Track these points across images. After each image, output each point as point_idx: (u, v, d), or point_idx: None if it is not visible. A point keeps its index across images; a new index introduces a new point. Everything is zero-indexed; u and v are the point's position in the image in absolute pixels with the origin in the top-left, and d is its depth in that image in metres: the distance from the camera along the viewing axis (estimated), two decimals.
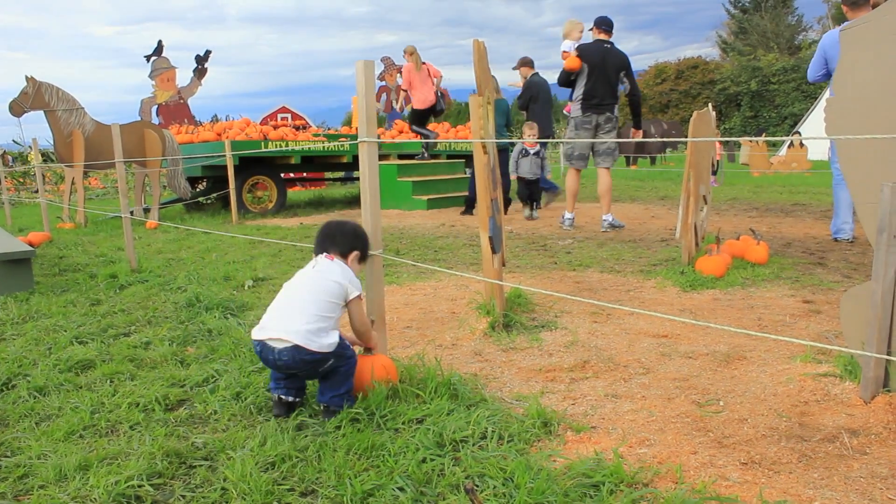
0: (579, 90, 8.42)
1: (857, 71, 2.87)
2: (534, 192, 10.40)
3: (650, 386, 3.14)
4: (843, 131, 2.93)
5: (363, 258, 3.08)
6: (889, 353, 2.77)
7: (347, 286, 2.87)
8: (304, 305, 2.77)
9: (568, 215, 9.02)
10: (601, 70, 8.31)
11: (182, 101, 20.98)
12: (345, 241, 3.03)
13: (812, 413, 2.81)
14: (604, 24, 8.48)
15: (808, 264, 5.92)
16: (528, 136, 9.96)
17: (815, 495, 2.14)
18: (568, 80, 8.51)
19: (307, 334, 2.69)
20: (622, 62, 8.46)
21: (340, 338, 2.82)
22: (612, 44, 8.45)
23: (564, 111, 9.15)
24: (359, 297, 2.93)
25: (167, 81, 20.78)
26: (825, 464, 2.38)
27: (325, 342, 2.73)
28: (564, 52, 8.83)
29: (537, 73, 11.07)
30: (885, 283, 2.72)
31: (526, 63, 11.15)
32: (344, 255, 3.01)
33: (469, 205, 10.97)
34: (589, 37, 8.76)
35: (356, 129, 3.92)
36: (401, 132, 15.32)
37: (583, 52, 8.36)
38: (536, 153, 10.13)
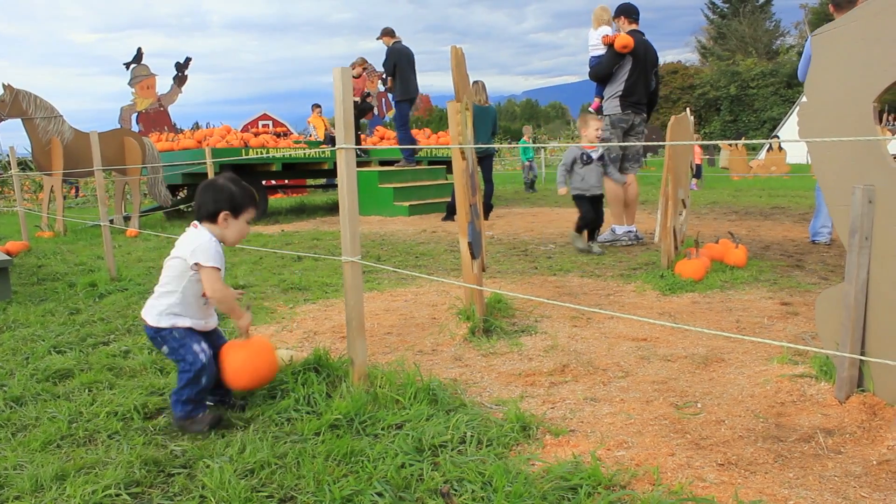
0: (618, 85, 7.54)
1: (829, 75, 2.91)
2: (600, 214, 7.31)
3: (629, 389, 3.16)
4: (815, 135, 2.97)
5: (238, 213, 2.88)
6: (863, 354, 2.80)
7: (187, 257, 2.79)
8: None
9: (621, 229, 7.77)
10: (643, 65, 7.53)
11: (162, 109, 20.89)
12: (209, 204, 2.86)
13: (788, 413, 2.84)
14: (634, 13, 7.64)
15: (786, 267, 5.98)
16: (595, 132, 7.15)
17: (791, 495, 2.16)
18: (611, 69, 7.54)
19: (148, 307, 2.89)
20: (656, 58, 7.79)
21: (179, 333, 2.82)
22: (644, 34, 7.67)
23: (590, 108, 8.10)
24: (204, 266, 2.77)
25: (147, 89, 20.68)
26: (801, 463, 2.40)
27: (155, 315, 2.83)
28: (606, 35, 7.68)
29: (399, 41, 11.88)
30: (857, 284, 2.76)
31: (387, 33, 11.92)
32: (212, 219, 2.87)
33: (450, 210, 10.96)
34: (614, 29, 7.85)
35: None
36: (382, 138, 15.33)
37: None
38: (600, 158, 7.23)
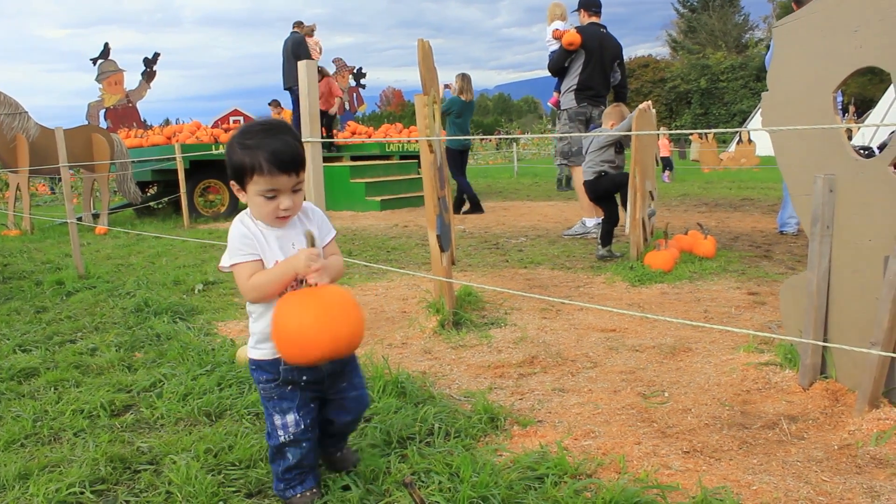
0: (573, 79, 7.64)
1: (790, 66, 2.94)
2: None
3: (597, 379, 3.18)
4: (778, 125, 3.00)
5: (242, 181, 2.01)
6: (825, 341, 2.84)
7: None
8: None
9: (591, 222, 7.61)
10: (598, 57, 7.56)
11: (131, 105, 20.66)
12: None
13: (753, 401, 2.87)
14: (593, 6, 7.72)
15: (755, 257, 6.05)
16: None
17: (754, 480, 2.19)
18: (563, 64, 7.67)
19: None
20: (617, 50, 7.83)
21: (265, 383, 2.13)
22: (605, 27, 7.77)
23: (549, 103, 8.29)
24: (225, 269, 2.10)
25: (115, 85, 20.43)
26: (764, 450, 2.44)
27: (250, 347, 2.20)
28: (557, 30, 7.89)
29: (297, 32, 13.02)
30: (819, 272, 2.80)
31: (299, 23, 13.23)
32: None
33: (456, 204, 11.02)
34: (567, 24, 8.06)
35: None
36: (354, 133, 15.28)
37: (581, 32, 7.55)
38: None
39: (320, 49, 14.75)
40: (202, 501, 2.12)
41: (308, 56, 12.68)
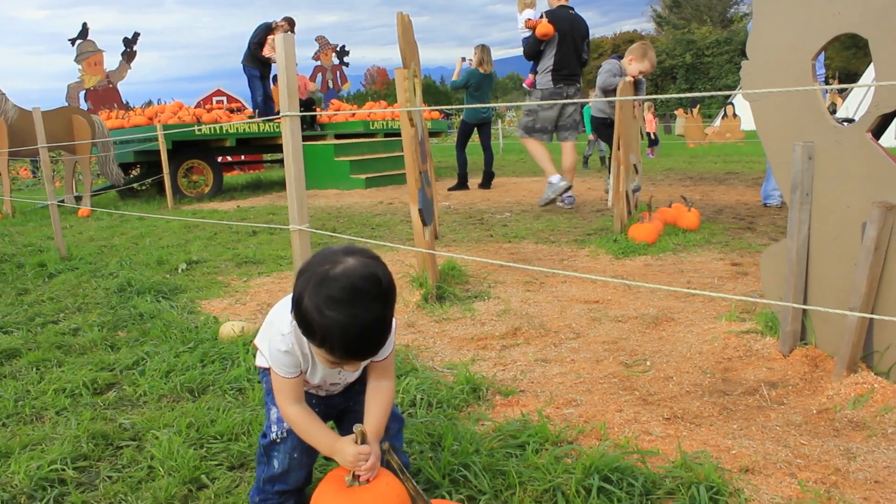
0: (548, 60, 7.89)
1: (769, 34, 2.94)
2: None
3: (579, 350, 3.20)
4: (756, 93, 3.00)
5: (313, 340, 1.62)
6: (805, 308, 2.86)
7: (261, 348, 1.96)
8: None
9: (555, 178, 7.80)
10: (571, 39, 7.86)
11: (111, 86, 20.44)
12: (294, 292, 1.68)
13: (734, 368, 2.90)
14: None
15: (738, 229, 6.07)
16: (639, 69, 7.09)
17: (733, 444, 2.21)
18: (538, 49, 7.95)
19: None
20: (585, 29, 8.09)
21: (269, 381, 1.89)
22: (573, 8, 8.06)
23: (525, 85, 8.66)
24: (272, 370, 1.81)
25: (94, 65, 20.20)
26: (745, 415, 2.46)
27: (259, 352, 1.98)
28: (529, 20, 8.19)
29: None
30: (799, 239, 2.81)
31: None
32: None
33: (460, 181, 11.04)
34: (536, 12, 8.35)
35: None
36: (337, 111, 15.19)
37: (553, 18, 7.80)
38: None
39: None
40: (184, 475, 2.12)
41: (259, 47, 12.66)
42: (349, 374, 1.84)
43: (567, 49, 7.84)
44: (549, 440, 2.23)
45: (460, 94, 11.09)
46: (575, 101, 4.29)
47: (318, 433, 1.77)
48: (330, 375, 1.82)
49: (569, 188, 7.80)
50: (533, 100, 8.18)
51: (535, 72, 8.13)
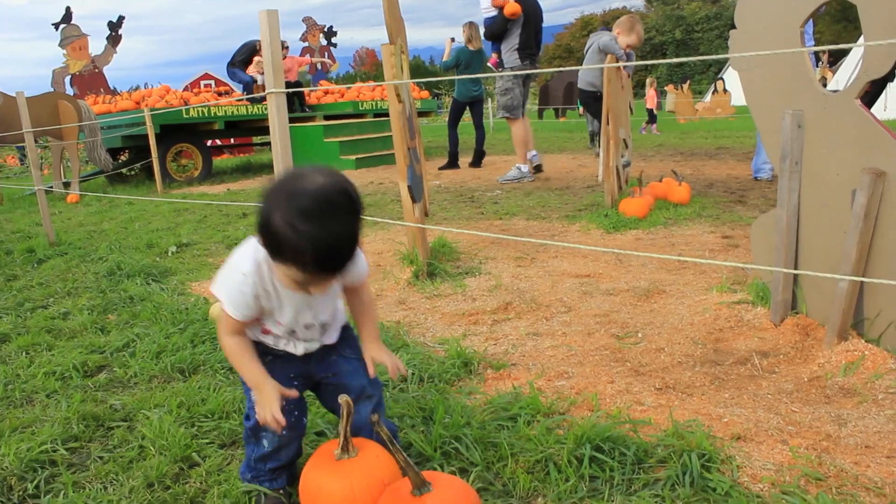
0: (514, 39, 8.33)
1: (757, 2, 2.91)
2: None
3: (571, 323, 3.19)
4: (746, 63, 2.99)
5: (276, 257, 1.58)
6: (795, 277, 2.86)
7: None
8: None
9: (525, 167, 8.73)
10: (534, 19, 8.37)
11: (97, 71, 20.23)
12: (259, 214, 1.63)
13: (726, 339, 2.90)
14: None
15: (729, 203, 6.07)
16: (627, 43, 7.17)
17: (725, 413, 2.21)
18: (504, 28, 8.36)
19: None
20: (541, 11, 8.57)
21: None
22: None
23: (489, 64, 9.08)
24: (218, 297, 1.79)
25: (79, 50, 19.95)
26: (736, 384, 2.46)
27: None
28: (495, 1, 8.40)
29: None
30: (789, 208, 2.80)
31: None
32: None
33: (452, 160, 11.03)
34: None
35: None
36: (326, 93, 15.08)
37: (521, 1, 8.20)
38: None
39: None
40: (175, 454, 2.11)
41: (244, 65, 12.86)
42: (321, 311, 1.82)
43: (530, 30, 8.36)
44: (540, 412, 2.22)
45: (452, 73, 10.97)
46: (572, 68, 4.28)
47: (250, 364, 1.76)
48: (301, 313, 1.78)
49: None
50: (504, 78, 8.53)
51: (497, 51, 8.61)
